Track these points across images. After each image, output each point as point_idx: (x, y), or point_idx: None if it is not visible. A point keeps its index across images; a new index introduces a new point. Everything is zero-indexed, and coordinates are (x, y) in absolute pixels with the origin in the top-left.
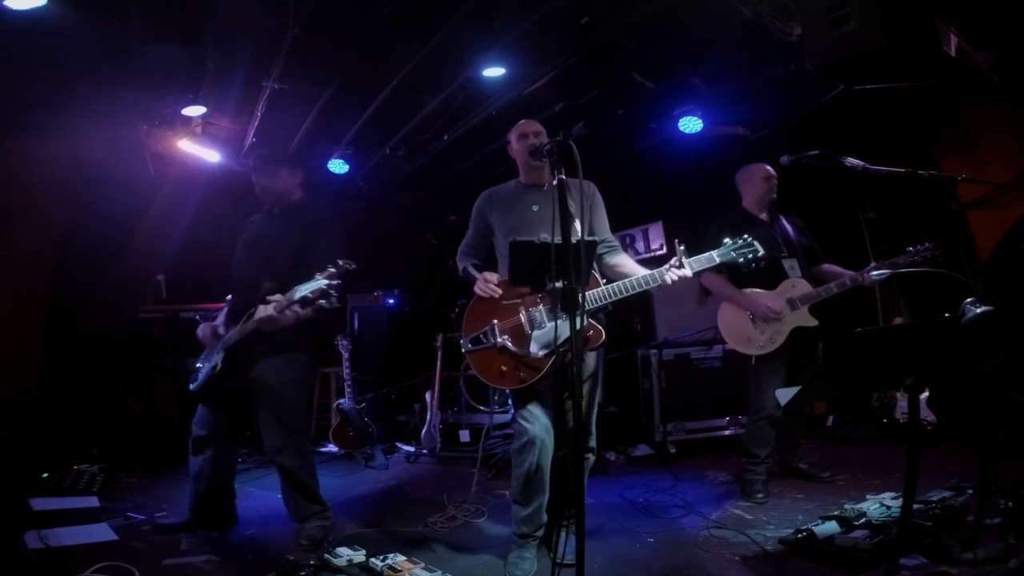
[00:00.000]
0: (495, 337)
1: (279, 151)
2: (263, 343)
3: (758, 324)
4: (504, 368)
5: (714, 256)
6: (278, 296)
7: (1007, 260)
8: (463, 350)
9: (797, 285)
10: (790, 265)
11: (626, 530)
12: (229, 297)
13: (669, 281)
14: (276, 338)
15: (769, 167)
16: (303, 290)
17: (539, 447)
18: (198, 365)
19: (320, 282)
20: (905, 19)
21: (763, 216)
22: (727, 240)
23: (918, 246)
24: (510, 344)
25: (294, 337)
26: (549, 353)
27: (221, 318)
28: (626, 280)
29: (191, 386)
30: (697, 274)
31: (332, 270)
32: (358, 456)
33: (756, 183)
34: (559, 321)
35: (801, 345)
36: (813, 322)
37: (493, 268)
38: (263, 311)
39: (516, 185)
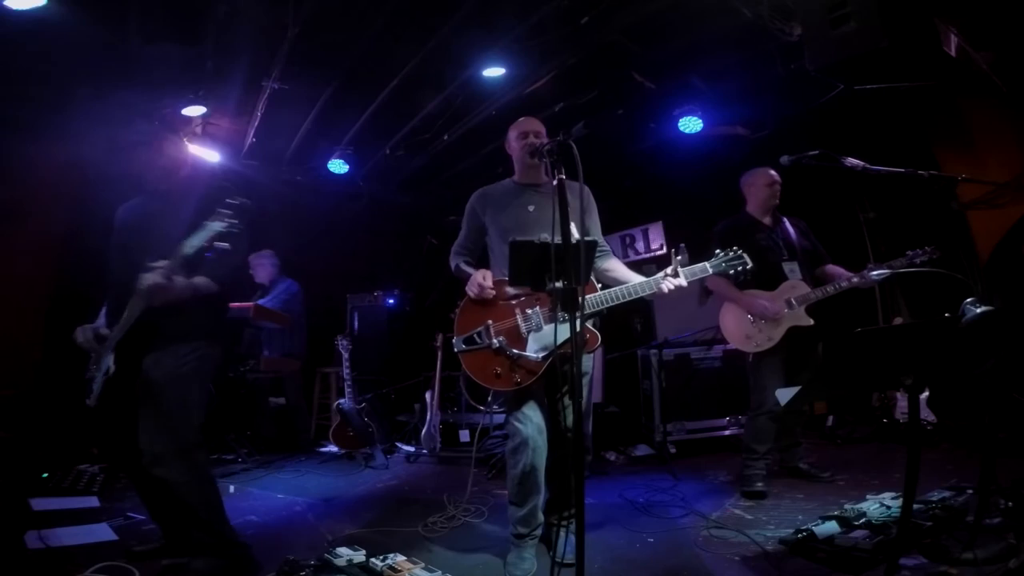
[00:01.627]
0: (490, 338)
1: (161, 122)
2: (150, 332)
3: (756, 323)
4: (499, 370)
5: (707, 267)
6: (163, 262)
7: (1007, 260)
8: (456, 350)
9: (796, 287)
10: (790, 268)
11: (626, 530)
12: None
13: (665, 290)
14: (164, 326)
15: (773, 172)
16: (194, 242)
17: (532, 448)
18: (88, 376)
19: (214, 225)
20: (905, 19)
21: (766, 220)
22: (718, 251)
23: (917, 249)
24: (506, 345)
25: (183, 324)
26: (546, 356)
27: (101, 319)
28: (623, 286)
29: (87, 401)
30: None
31: (222, 211)
32: (358, 456)
33: (759, 188)
34: (557, 324)
35: (800, 344)
36: (808, 321)
37: (485, 267)
38: (148, 278)
39: (511, 184)
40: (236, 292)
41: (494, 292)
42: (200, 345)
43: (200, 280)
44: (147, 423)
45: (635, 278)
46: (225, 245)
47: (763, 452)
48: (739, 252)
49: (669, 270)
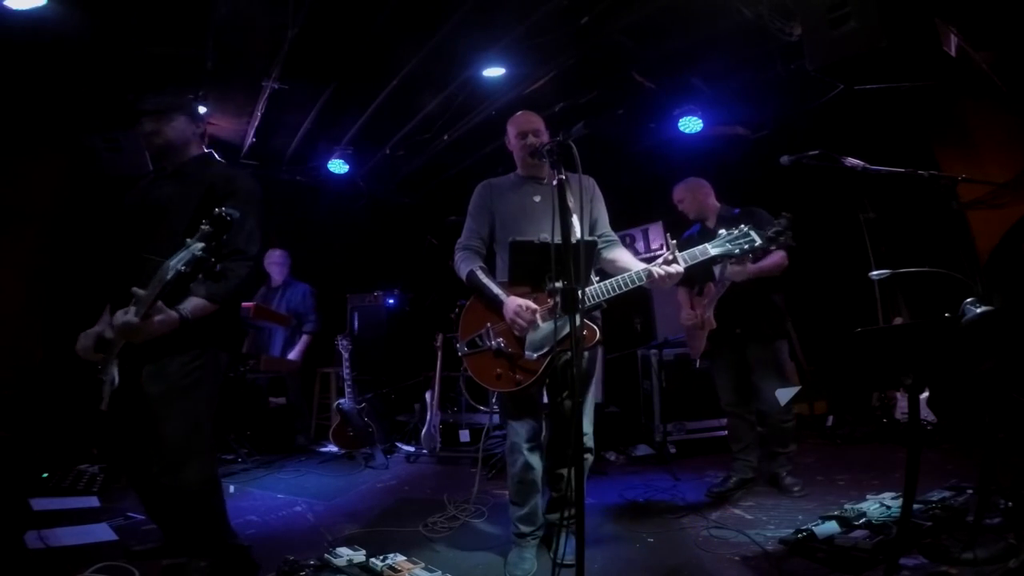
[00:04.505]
0: (490, 340)
1: (178, 97)
2: (141, 345)
3: (696, 321)
4: (499, 371)
5: (708, 248)
6: (139, 291)
7: (1007, 260)
8: (460, 354)
9: (710, 288)
10: (718, 270)
11: (626, 530)
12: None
13: (656, 276)
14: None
15: (678, 186)
16: (173, 266)
17: (529, 448)
18: (100, 379)
19: (193, 247)
20: (905, 19)
21: (710, 223)
22: (722, 231)
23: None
24: (504, 347)
25: (185, 332)
26: (544, 354)
27: (104, 319)
28: (616, 278)
29: (101, 405)
30: (690, 268)
31: (205, 228)
32: (358, 456)
33: None
34: (552, 322)
35: (739, 345)
36: (712, 326)
37: (491, 264)
38: (120, 319)
39: (515, 177)
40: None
41: (537, 319)
42: (205, 352)
43: (192, 304)
44: (157, 434)
45: (641, 268)
46: (210, 285)
47: (735, 451)
48: (745, 230)
49: (667, 255)
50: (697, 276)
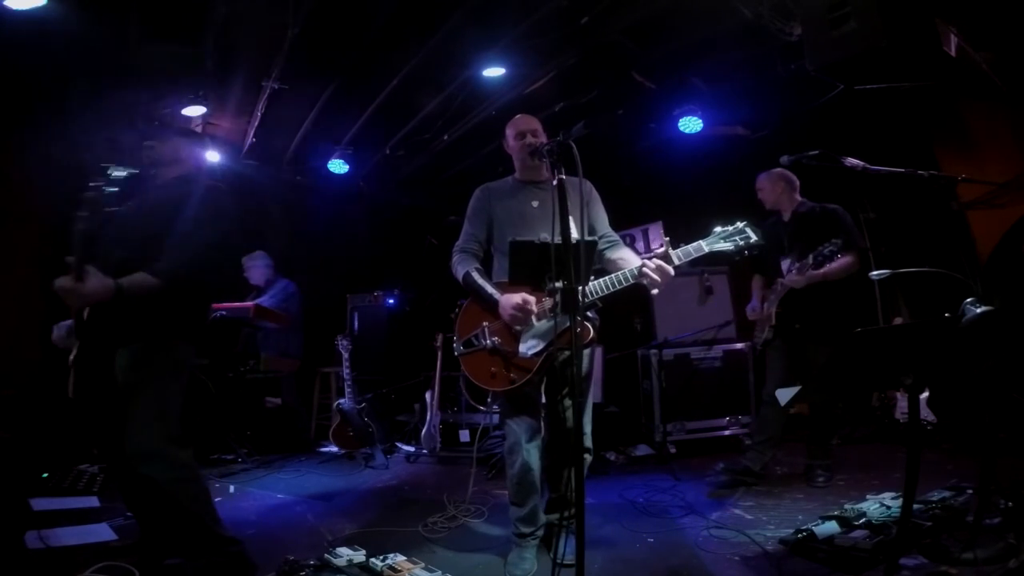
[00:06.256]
0: (486, 339)
1: (182, 126)
2: (114, 328)
3: (759, 317)
4: (494, 369)
5: (702, 245)
6: (69, 258)
7: (1007, 260)
8: (456, 353)
9: (777, 284)
10: (784, 264)
11: (626, 530)
12: None
13: (646, 271)
14: (126, 323)
15: (761, 175)
16: (80, 230)
17: (527, 448)
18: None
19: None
20: (905, 19)
21: (785, 216)
22: (717, 228)
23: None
24: (500, 345)
25: (147, 322)
26: (538, 353)
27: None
28: (609, 277)
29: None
30: (684, 265)
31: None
32: (358, 456)
33: None
34: (546, 321)
35: (799, 341)
36: (772, 322)
37: (487, 267)
38: (57, 282)
39: (513, 181)
40: (225, 291)
41: (536, 312)
42: (167, 344)
43: (132, 277)
44: (128, 423)
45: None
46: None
47: (755, 441)
48: (741, 226)
49: (659, 251)
50: (769, 266)
